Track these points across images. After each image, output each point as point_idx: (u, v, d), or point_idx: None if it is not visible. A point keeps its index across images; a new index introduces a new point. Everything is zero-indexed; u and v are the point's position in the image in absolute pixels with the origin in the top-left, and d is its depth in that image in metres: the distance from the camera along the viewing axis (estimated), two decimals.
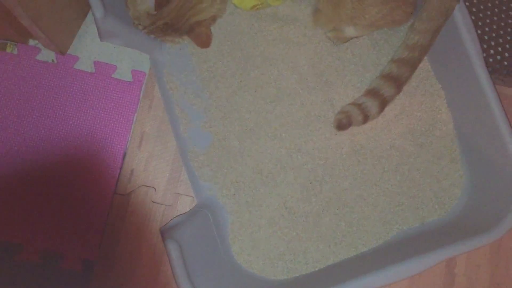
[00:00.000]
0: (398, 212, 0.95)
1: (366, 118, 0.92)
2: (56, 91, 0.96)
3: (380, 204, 0.95)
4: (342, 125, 0.93)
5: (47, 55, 0.98)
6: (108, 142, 0.96)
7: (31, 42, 0.98)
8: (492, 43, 1.02)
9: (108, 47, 0.99)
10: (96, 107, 0.96)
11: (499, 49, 1.02)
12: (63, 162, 0.95)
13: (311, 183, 0.95)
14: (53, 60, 0.98)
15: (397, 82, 0.91)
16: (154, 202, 0.95)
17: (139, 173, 0.96)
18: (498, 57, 1.01)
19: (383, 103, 0.92)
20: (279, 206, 0.95)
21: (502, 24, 1.03)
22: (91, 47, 0.99)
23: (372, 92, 0.92)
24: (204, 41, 0.91)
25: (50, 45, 0.92)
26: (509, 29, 1.03)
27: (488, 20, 1.02)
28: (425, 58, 0.99)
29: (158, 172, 0.96)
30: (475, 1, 1.02)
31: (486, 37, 1.02)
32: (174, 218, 0.92)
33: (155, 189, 0.95)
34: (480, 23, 1.02)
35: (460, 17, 0.86)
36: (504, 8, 1.03)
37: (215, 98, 0.97)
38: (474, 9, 1.02)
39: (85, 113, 0.96)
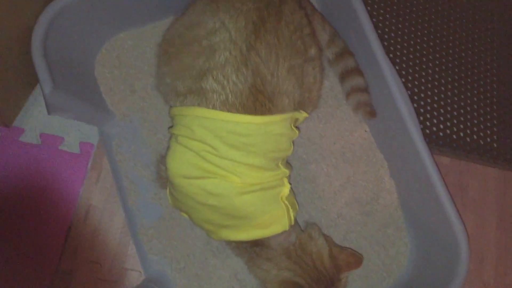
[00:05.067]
0: (348, 282, 0.96)
1: None
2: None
3: None
4: None
5: None
6: (52, 216, 0.92)
7: None
8: (428, 116, 1.09)
9: (56, 119, 0.98)
10: (41, 180, 0.94)
11: (435, 121, 1.09)
12: (2, 235, 0.90)
13: None
14: None
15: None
16: (99, 279, 0.91)
17: (84, 248, 0.92)
18: (434, 128, 1.08)
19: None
20: (230, 278, 0.93)
21: (436, 98, 1.10)
22: (38, 119, 0.98)
23: None
24: (357, 261, 0.86)
25: None
26: (442, 103, 1.10)
27: (423, 95, 1.10)
28: (368, 129, 1.04)
29: (105, 246, 0.93)
30: (410, 77, 1.10)
31: (422, 110, 1.09)
32: None
33: (100, 265, 0.92)
34: (416, 98, 1.09)
35: (398, 92, 0.92)
36: (436, 83, 1.12)
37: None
38: (409, 85, 1.09)
39: (29, 186, 0.93)
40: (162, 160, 0.87)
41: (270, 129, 0.77)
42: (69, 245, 0.91)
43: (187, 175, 0.77)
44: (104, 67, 0.99)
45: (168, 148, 0.82)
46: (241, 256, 0.88)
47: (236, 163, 0.76)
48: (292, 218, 0.82)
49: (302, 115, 0.84)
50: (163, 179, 0.88)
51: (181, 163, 0.78)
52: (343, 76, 1.01)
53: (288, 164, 0.88)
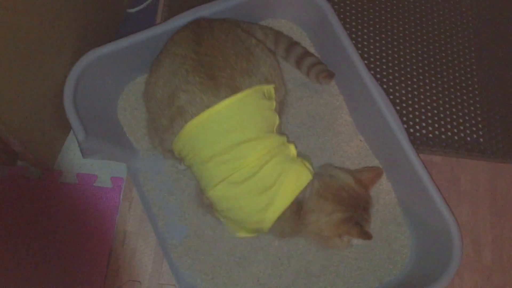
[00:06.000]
0: (359, 276, 1.07)
1: None
2: (44, 204, 1.08)
3: (341, 270, 1.07)
4: None
5: (34, 172, 1.10)
6: (94, 244, 1.06)
7: (19, 162, 1.11)
8: (417, 120, 1.21)
9: (89, 160, 1.12)
10: (81, 214, 1.08)
11: (423, 124, 1.21)
12: (52, 266, 1.04)
13: (279, 259, 1.07)
14: (40, 177, 1.10)
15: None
16: None
17: (125, 269, 1.06)
18: (424, 131, 1.20)
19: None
20: (253, 284, 1.06)
21: (423, 103, 1.22)
22: (73, 161, 1.12)
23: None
24: (378, 173, 1.00)
25: (38, 164, 1.05)
26: (429, 107, 1.22)
27: (410, 102, 1.22)
28: (363, 139, 1.16)
29: (142, 266, 1.07)
30: (397, 87, 1.22)
31: (411, 116, 1.21)
32: None
33: (140, 282, 1.05)
34: (404, 105, 1.21)
35: (384, 106, 1.03)
36: (422, 90, 1.24)
37: (187, 193, 1.10)
38: (397, 94, 1.21)
39: (72, 220, 1.07)
40: (198, 190, 1.01)
41: (246, 102, 0.90)
42: (111, 267, 1.05)
43: (217, 182, 0.90)
44: (125, 110, 1.14)
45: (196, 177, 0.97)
46: (294, 232, 0.96)
47: (239, 145, 0.88)
48: (310, 167, 0.96)
49: (270, 87, 0.96)
50: (206, 206, 1.01)
51: (208, 178, 0.92)
52: (298, 62, 1.15)
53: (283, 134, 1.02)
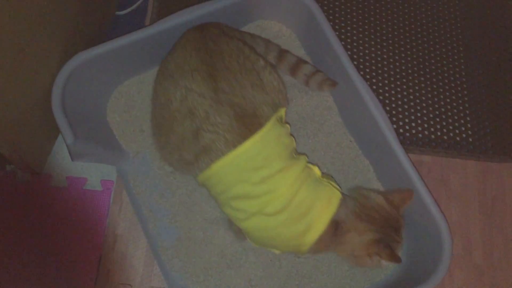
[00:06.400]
0: (350, 276, 1.08)
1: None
2: (34, 208, 1.08)
3: (332, 271, 1.07)
4: None
5: (24, 176, 1.10)
6: (84, 247, 1.06)
7: (8, 167, 1.10)
8: (407, 121, 1.21)
9: (78, 163, 1.12)
10: (71, 218, 1.07)
11: (413, 124, 1.21)
12: (42, 269, 1.04)
13: (271, 260, 1.07)
14: (29, 181, 1.09)
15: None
16: None
17: (115, 272, 1.05)
18: (413, 131, 1.21)
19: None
20: (245, 286, 1.06)
21: (412, 103, 1.23)
22: (63, 165, 1.12)
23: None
24: (409, 194, 0.99)
25: (27, 168, 1.05)
26: (418, 107, 1.23)
27: (400, 102, 1.23)
28: (352, 139, 1.17)
29: (133, 269, 1.06)
30: (386, 88, 1.23)
31: (401, 116, 1.21)
32: None
33: (131, 285, 1.05)
34: (394, 105, 1.22)
35: (371, 102, 1.03)
36: (411, 90, 1.24)
37: (178, 196, 1.10)
38: (387, 95, 1.22)
39: (62, 224, 1.07)
40: (230, 223, 1.02)
41: (268, 137, 0.90)
42: (102, 271, 1.05)
43: (249, 215, 0.90)
44: (114, 113, 1.14)
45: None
46: (329, 250, 0.96)
47: (269, 178, 0.89)
48: (337, 187, 0.97)
49: (282, 112, 0.97)
50: (239, 232, 1.01)
51: (239, 212, 0.92)
52: (292, 70, 1.15)
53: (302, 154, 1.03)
